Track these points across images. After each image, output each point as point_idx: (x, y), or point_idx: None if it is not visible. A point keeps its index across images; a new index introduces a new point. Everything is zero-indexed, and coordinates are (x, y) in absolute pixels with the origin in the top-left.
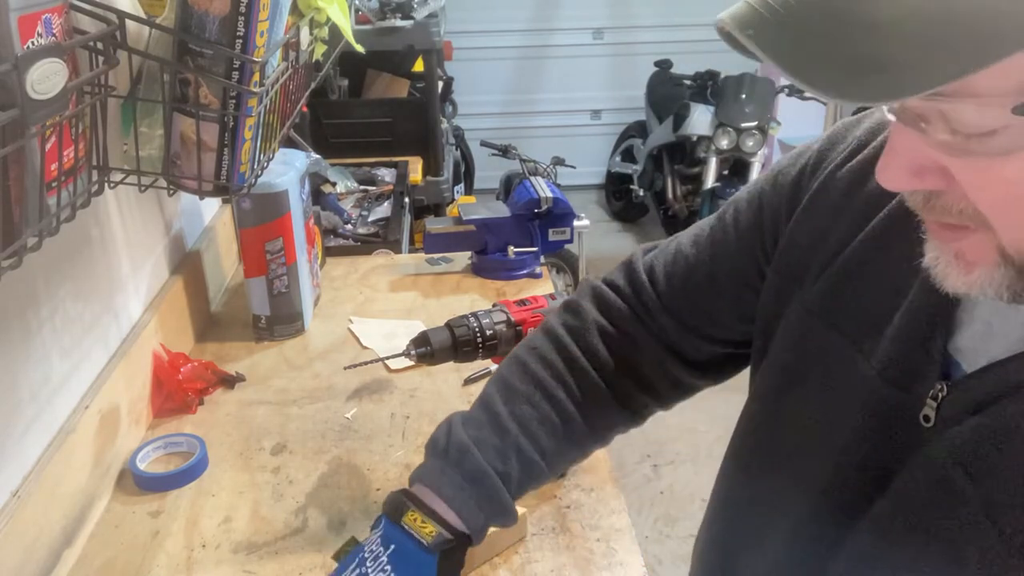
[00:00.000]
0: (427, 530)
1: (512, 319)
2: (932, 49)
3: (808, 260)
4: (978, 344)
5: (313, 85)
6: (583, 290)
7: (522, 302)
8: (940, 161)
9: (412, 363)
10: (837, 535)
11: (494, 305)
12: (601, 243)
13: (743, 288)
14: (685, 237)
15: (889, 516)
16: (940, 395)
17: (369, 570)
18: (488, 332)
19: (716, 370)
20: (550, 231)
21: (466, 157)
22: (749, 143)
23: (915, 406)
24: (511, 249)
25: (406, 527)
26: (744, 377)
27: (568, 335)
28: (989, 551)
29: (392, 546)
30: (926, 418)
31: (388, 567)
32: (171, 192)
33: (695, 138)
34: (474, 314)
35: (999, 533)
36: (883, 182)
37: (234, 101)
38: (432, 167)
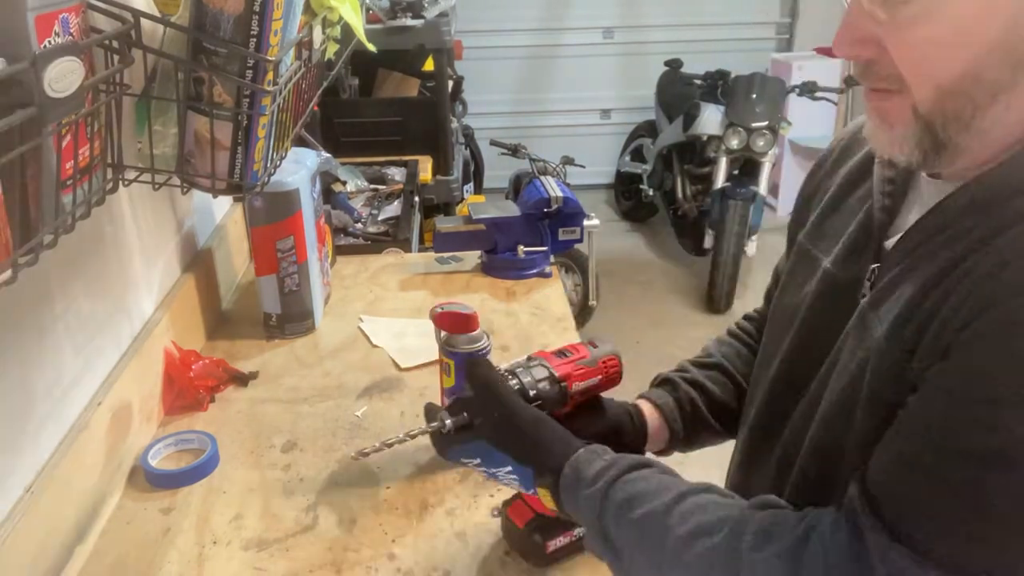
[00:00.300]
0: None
1: (555, 374)
2: None
3: (809, 210)
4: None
5: (325, 84)
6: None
7: (562, 353)
8: (875, 33)
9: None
10: (793, 398)
11: (530, 359)
12: (610, 243)
13: None
14: None
15: (825, 377)
16: (873, 275)
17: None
18: (531, 392)
19: None
20: (560, 230)
21: (476, 156)
22: (760, 143)
23: (856, 287)
24: (521, 248)
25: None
26: None
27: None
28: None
29: (515, 477)
30: (863, 295)
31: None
32: (184, 190)
33: (705, 138)
34: (512, 371)
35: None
36: (836, 50)
37: (248, 100)
38: (442, 166)
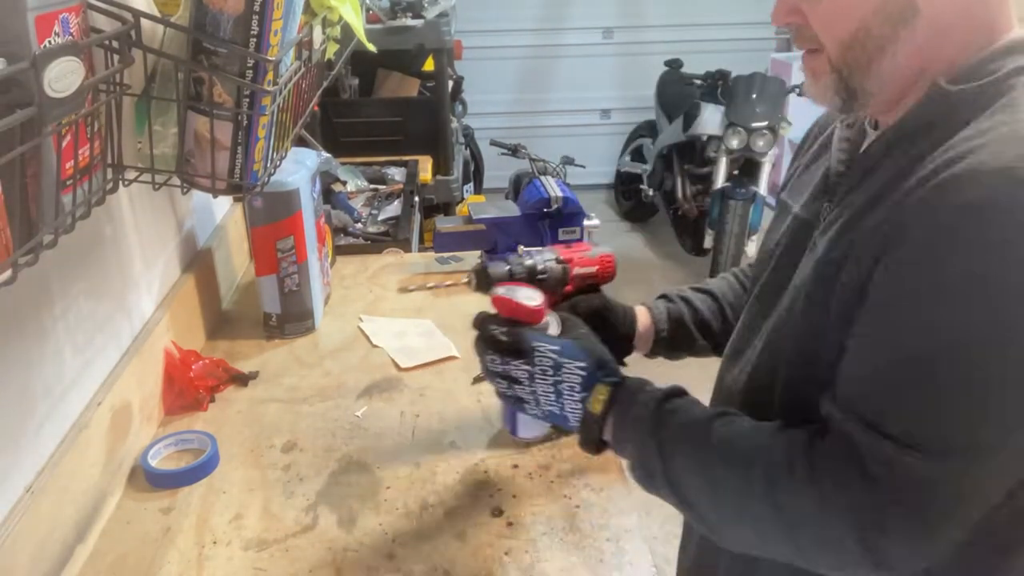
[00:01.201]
0: (597, 406)
1: (560, 257)
2: None
3: (792, 176)
4: None
5: (325, 84)
6: None
7: (568, 244)
8: (799, 5)
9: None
10: (760, 324)
11: (542, 249)
12: (610, 243)
13: None
14: None
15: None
16: (827, 211)
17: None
18: (539, 267)
19: None
20: (560, 230)
21: (476, 156)
22: (760, 143)
23: (815, 223)
24: (521, 248)
25: (595, 388)
26: None
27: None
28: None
29: (581, 371)
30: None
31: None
32: (184, 190)
33: (705, 138)
34: (528, 251)
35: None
36: (773, 21)
37: (248, 100)
38: (442, 166)
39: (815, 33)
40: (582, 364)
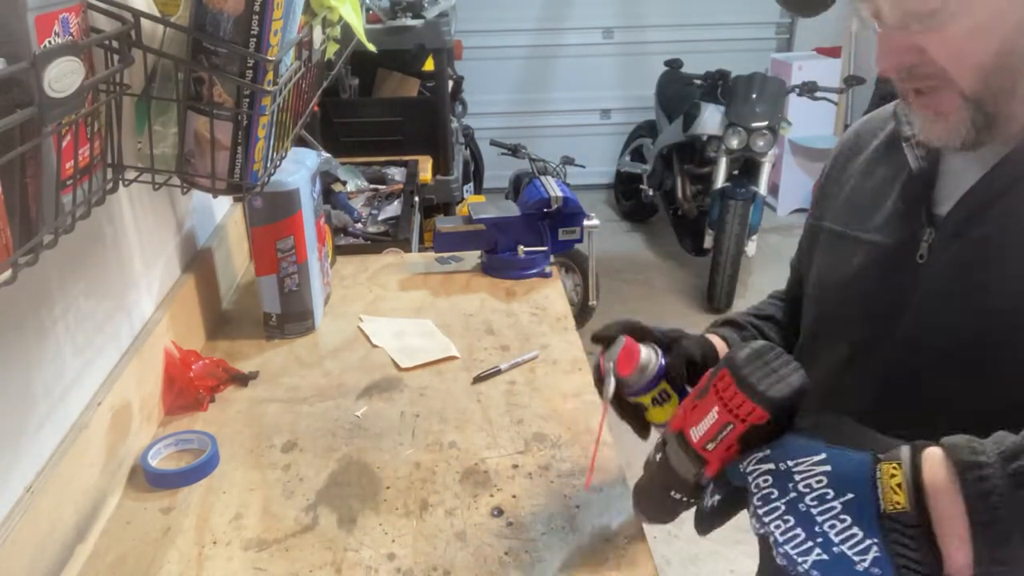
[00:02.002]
0: (897, 499)
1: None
2: None
3: (828, 202)
4: (951, 195)
5: (325, 84)
6: None
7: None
8: (911, 41)
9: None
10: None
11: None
12: (610, 243)
13: None
14: None
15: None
16: (931, 237)
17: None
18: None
19: None
20: (560, 230)
21: (476, 156)
22: (760, 143)
23: (909, 249)
24: (521, 248)
25: (879, 481)
26: None
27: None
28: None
29: (849, 495)
30: (921, 256)
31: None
32: (184, 190)
33: (705, 138)
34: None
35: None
36: (879, 68)
37: (248, 100)
38: (442, 166)
39: (937, 68)
40: (820, 458)
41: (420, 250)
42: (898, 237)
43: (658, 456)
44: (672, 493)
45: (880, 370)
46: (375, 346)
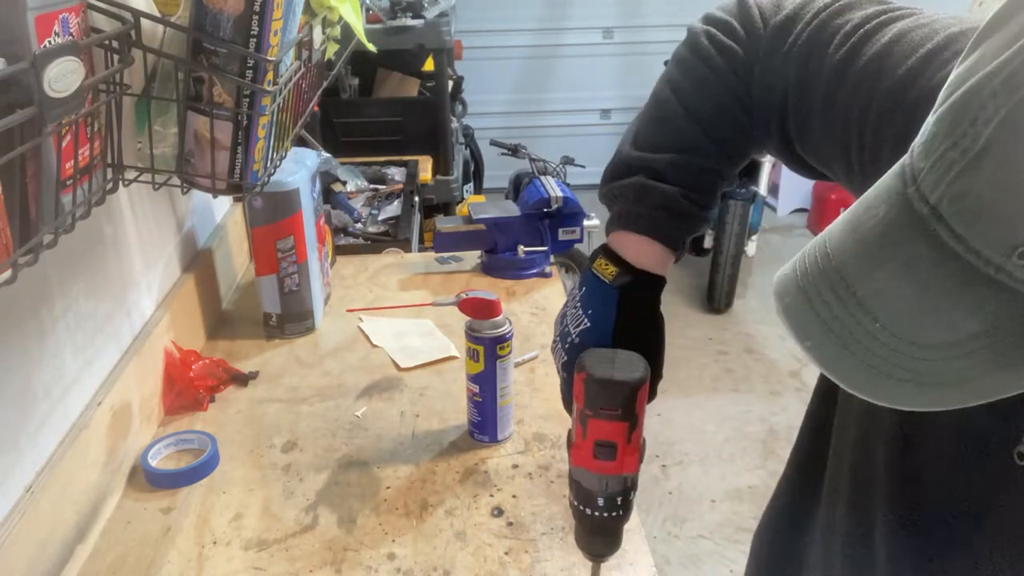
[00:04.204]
0: (609, 271)
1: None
2: None
3: None
4: None
5: (325, 84)
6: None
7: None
8: None
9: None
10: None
11: None
12: None
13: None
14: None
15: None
16: None
17: (568, 308)
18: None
19: None
20: (560, 230)
21: (475, 156)
22: None
23: (1008, 439)
24: (521, 248)
25: (594, 271)
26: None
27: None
28: None
29: (584, 287)
30: (1020, 455)
31: (579, 303)
32: (184, 190)
33: None
34: None
35: None
36: None
37: (248, 100)
38: (442, 166)
39: None
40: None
41: (420, 250)
42: (997, 408)
43: (577, 502)
44: (599, 512)
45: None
46: (375, 346)
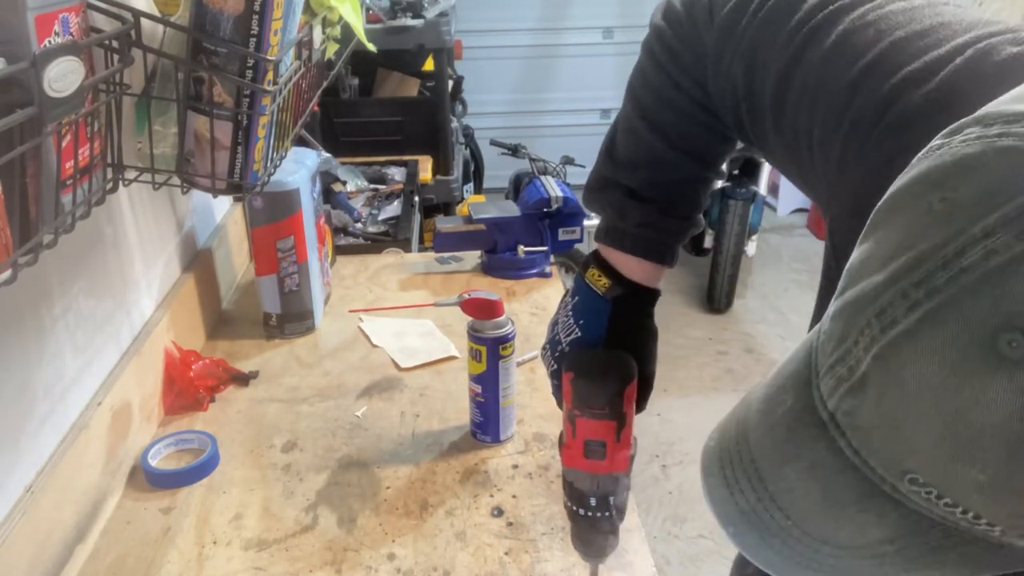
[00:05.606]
0: (602, 282)
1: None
2: None
3: None
4: None
5: (325, 84)
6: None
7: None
8: None
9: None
10: None
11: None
12: None
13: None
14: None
15: None
16: None
17: (560, 315)
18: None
19: None
20: (560, 230)
21: (476, 156)
22: None
23: None
24: (521, 248)
25: (587, 281)
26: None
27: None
28: None
29: (577, 296)
30: None
31: (571, 312)
32: (184, 190)
33: None
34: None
35: None
36: None
37: (248, 100)
38: (442, 166)
39: None
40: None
41: (420, 250)
42: None
43: (571, 503)
44: (593, 513)
45: None
46: (375, 346)
